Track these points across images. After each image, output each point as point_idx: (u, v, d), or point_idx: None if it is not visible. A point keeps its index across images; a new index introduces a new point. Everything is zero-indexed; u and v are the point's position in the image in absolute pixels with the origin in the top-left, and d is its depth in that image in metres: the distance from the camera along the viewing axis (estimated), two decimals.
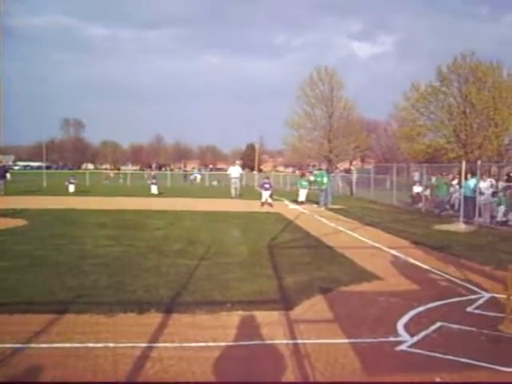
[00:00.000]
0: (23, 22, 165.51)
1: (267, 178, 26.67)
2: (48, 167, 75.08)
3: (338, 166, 52.52)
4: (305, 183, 26.88)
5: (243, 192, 32.37)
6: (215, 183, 51.14)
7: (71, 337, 5.40)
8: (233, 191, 30.17)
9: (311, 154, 55.28)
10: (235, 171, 30.75)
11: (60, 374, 4.51)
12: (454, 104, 39.61)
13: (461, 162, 18.81)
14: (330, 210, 22.60)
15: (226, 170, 42.10)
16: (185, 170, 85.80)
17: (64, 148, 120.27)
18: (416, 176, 30.24)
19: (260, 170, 66.80)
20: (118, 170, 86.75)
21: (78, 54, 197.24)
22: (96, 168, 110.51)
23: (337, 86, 53.57)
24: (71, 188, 33.47)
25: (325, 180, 24.45)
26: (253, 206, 23.35)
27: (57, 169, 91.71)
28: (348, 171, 43.16)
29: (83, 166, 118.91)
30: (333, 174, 36.33)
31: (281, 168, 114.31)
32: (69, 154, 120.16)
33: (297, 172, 63.44)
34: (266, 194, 24.21)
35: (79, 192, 32.42)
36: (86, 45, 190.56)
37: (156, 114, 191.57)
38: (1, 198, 26.42)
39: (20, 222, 15.46)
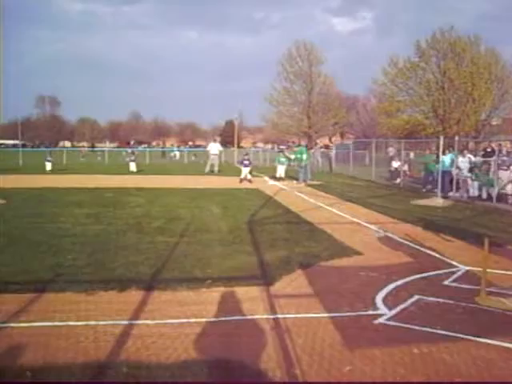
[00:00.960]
0: None
1: (246, 154, 26.68)
2: (24, 145, 73.89)
3: (318, 141, 52.59)
4: (283, 159, 26.99)
5: (222, 168, 32.35)
6: (193, 158, 51.29)
7: (51, 315, 5.38)
8: (208, 167, 30.34)
9: (290, 130, 55.30)
10: (215, 148, 30.94)
11: (41, 353, 4.50)
12: (432, 79, 39.83)
13: (439, 138, 18.96)
14: (310, 185, 22.69)
15: (205, 147, 42.05)
16: (163, 147, 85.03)
17: (40, 126, 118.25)
18: (391, 152, 30.41)
19: (239, 147, 66.62)
20: (93, 147, 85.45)
21: (53, 29, 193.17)
22: (73, 146, 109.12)
23: (315, 62, 53.42)
24: (48, 166, 33.02)
25: (304, 156, 24.50)
26: (232, 182, 23.34)
27: (33, 147, 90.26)
28: (327, 147, 43.24)
29: (60, 143, 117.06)
30: (312, 150, 36.40)
31: (260, 144, 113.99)
32: (45, 132, 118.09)
33: (276, 148, 63.44)
34: (245, 171, 24.26)
35: (56, 170, 32.02)
36: (61, 20, 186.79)
37: (134, 90, 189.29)
38: None
39: None
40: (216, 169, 30.34)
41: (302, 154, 24.72)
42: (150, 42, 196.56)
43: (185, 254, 8.36)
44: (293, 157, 26.69)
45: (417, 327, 5.17)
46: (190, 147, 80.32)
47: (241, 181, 23.77)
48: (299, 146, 29.03)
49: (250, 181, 23.68)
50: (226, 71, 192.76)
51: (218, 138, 45.99)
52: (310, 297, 6.20)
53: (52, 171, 31.71)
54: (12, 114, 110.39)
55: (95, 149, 73.08)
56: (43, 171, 31.37)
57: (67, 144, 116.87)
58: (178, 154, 61.03)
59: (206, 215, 13.05)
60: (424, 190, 20.30)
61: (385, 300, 6.05)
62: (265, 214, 13.33)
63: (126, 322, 5.22)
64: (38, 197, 16.82)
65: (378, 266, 7.69)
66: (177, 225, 11.39)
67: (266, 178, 26.62)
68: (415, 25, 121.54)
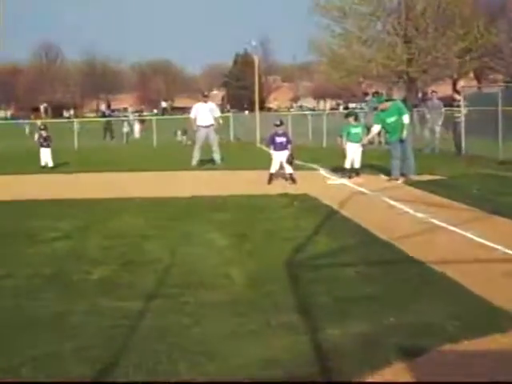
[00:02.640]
0: None
1: (281, 123, 26.29)
2: None
3: (430, 91, 52.34)
4: (357, 130, 26.08)
5: (230, 154, 32.44)
6: (180, 138, 50.88)
7: None
8: (196, 154, 29.86)
9: (370, 70, 54.84)
10: (205, 113, 30.26)
11: None
12: None
13: None
14: (414, 183, 22.55)
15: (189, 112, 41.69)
16: (103, 113, 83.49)
17: None
18: None
19: (264, 108, 66.76)
20: None
21: None
22: None
23: None
24: None
25: (405, 120, 23.88)
26: (254, 182, 23.39)
27: None
28: (452, 102, 42.82)
29: None
30: (418, 109, 36.24)
31: (309, 102, 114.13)
32: None
33: (341, 108, 63.41)
34: (279, 157, 24.06)
35: None
36: None
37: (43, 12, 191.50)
38: None
39: None
40: (217, 156, 30.27)
41: (399, 114, 23.97)
42: None
43: (158, 334, 8.37)
44: (376, 129, 26.04)
45: None
46: (163, 112, 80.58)
47: (270, 178, 23.70)
48: (389, 100, 28.67)
49: (291, 178, 23.57)
50: None
51: (216, 91, 45.89)
52: None
53: None
54: None
55: None
56: None
57: None
58: (137, 126, 61.36)
59: (200, 252, 13.09)
60: None
61: None
62: (322, 248, 13.32)
63: None
64: None
65: None
66: (141, 274, 11.45)
67: (323, 171, 26.59)
68: None
